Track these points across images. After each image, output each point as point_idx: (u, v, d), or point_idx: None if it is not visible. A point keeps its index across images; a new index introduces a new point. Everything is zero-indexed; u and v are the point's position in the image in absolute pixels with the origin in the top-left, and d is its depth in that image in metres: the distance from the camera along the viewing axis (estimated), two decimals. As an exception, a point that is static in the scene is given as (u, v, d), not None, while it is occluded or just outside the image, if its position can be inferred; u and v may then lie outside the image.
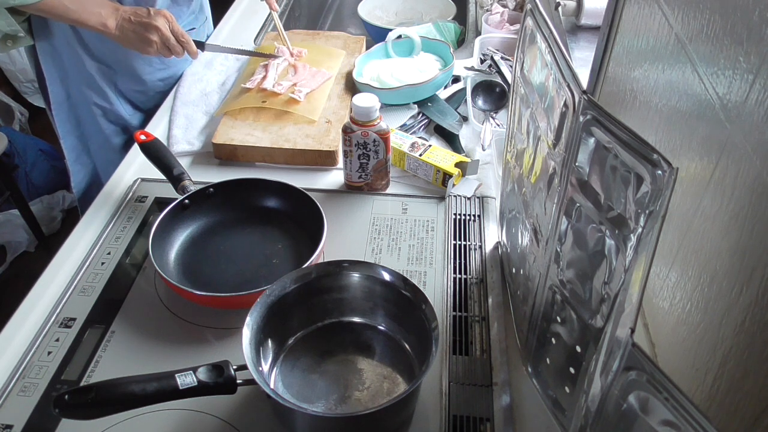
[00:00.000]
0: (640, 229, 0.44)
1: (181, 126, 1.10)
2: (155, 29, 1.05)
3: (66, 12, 1.02)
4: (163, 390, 0.58)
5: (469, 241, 0.88)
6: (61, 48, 1.17)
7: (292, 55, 1.21)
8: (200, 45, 1.13)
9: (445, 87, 1.19)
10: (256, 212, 0.90)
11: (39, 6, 1.01)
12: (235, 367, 0.61)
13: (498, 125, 1.07)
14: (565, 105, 0.54)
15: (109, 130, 1.28)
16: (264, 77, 1.14)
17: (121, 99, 1.27)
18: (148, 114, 1.19)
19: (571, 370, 0.58)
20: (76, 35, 1.16)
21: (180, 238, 0.87)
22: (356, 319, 0.75)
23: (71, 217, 2.15)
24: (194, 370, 0.60)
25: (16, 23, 1.05)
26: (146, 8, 1.07)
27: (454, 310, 0.78)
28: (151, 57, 1.21)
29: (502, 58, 1.21)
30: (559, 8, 1.16)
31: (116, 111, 1.27)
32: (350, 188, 0.98)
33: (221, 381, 0.60)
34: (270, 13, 1.27)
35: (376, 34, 1.43)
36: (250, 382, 0.59)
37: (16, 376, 0.71)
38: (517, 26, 1.22)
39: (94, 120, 1.26)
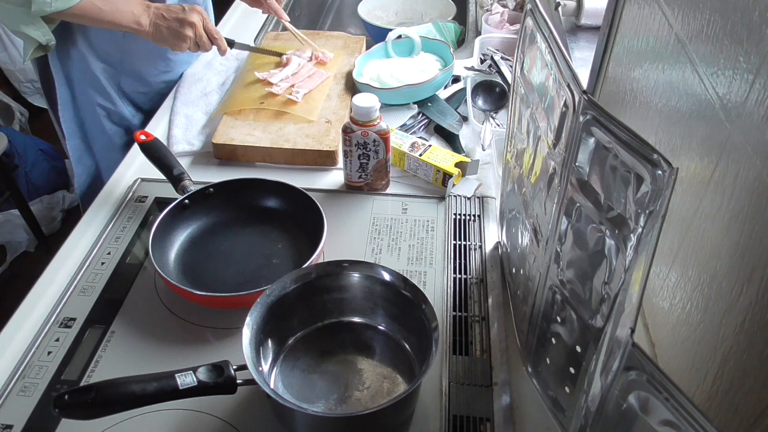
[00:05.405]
0: (640, 229, 0.44)
1: (181, 126, 1.10)
2: (190, 25, 1.04)
3: (99, 14, 1.01)
4: (163, 390, 0.58)
5: (469, 241, 0.88)
6: (68, 49, 1.16)
7: (317, 58, 1.22)
8: (230, 43, 1.14)
9: (445, 87, 1.19)
10: (256, 212, 0.90)
11: (73, 11, 0.99)
12: (235, 367, 0.61)
13: (498, 125, 1.07)
14: (565, 105, 0.54)
15: (113, 131, 1.28)
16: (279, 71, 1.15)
17: (124, 100, 1.27)
18: (149, 115, 1.19)
19: (571, 370, 0.58)
20: (83, 35, 1.15)
21: (180, 238, 0.87)
22: (356, 319, 0.75)
23: (71, 217, 2.15)
24: (194, 370, 0.60)
25: (50, 32, 1.03)
26: (180, 5, 1.06)
27: (454, 310, 0.78)
28: (155, 59, 1.21)
29: (502, 58, 1.21)
30: (559, 8, 1.16)
31: (120, 112, 1.26)
32: (350, 188, 0.98)
33: (221, 381, 0.60)
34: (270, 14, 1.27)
35: (376, 34, 1.43)
36: (250, 382, 0.59)
37: (16, 376, 0.71)
38: (517, 26, 1.22)
39: (98, 121, 1.26)
